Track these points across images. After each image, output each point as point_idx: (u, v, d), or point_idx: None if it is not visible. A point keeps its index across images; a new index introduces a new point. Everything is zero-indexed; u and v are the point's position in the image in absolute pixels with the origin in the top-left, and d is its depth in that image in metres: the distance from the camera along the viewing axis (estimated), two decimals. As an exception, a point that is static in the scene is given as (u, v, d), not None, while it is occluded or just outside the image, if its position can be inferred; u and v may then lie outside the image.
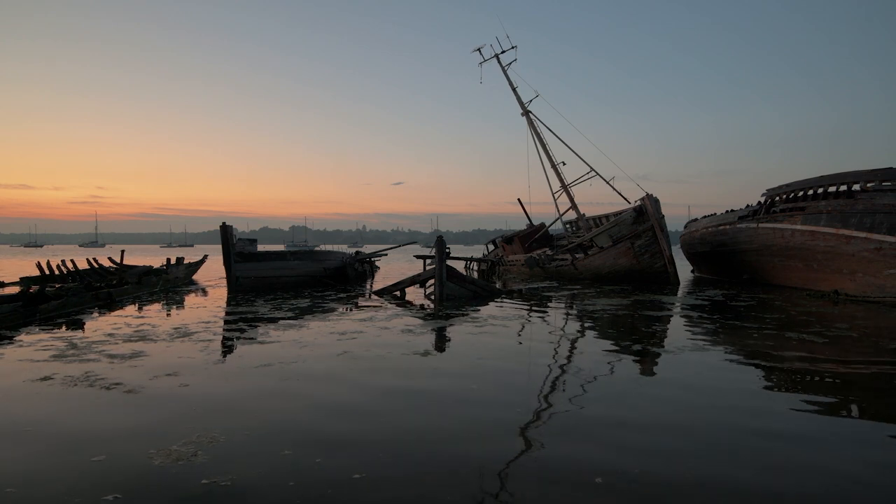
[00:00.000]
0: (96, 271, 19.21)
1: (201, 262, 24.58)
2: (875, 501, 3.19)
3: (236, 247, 16.94)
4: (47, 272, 16.87)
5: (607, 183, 24.18)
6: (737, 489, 3.27)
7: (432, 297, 13.81)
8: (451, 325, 9.66)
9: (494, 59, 25.74)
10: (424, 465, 3.60)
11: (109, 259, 21.68)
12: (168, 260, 21.55)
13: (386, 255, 24.53)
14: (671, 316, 11.08)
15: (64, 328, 9.07)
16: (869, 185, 13.97)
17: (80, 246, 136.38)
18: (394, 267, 32.02)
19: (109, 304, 12.47)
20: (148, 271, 18.74)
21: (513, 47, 25.65)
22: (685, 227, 27.58)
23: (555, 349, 7.71)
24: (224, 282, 17.44)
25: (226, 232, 16.21)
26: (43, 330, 8.83)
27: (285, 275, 17.97)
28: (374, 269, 26.48)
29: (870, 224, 13.48)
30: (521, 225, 30.84)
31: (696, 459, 3.71)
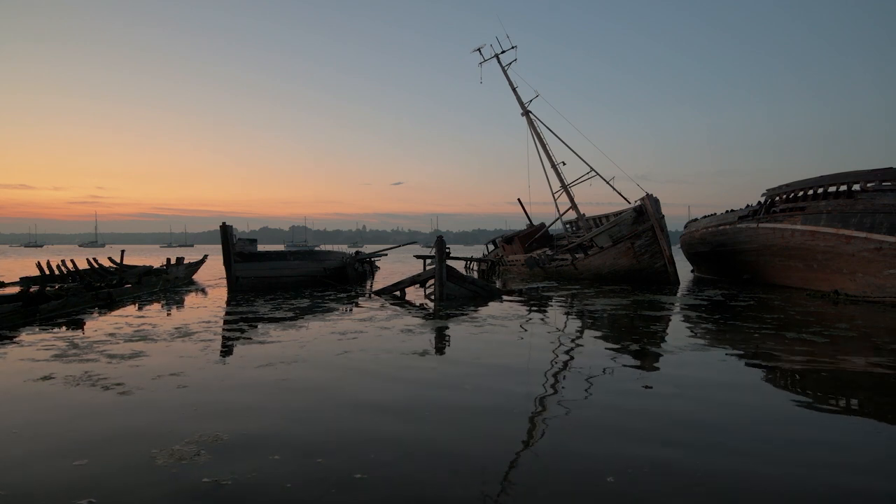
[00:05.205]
0: (96, 271, 19.21)
1: (201, 262, 24.58)
2: (875, 501, 3.20)
3: (236, 247, 16.95)
4: (47, 272, 16.88)
5: (607, 183, 24.19)
6: (738, 488, 3.28)
7: (432, 297, 13.81)
8: (450, 325, 9.67)
9: (494, 59, 25.75)
10: (425, 464, 3.61)
11: (109, 259, 21.68)
12: (168, 260, 21.55)
13: (386, 255, 24.53)
14: (671, 316, 11.09)
15: (64, 328, 9.07)
16: (869, 185, 13.97)
17: (79, 246, 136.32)
18: (394, 267, 32.03)
19: (109, 304, 12.48)
20: (148, 271, 18.75)
21: (513, 47, 25.67)
22: (685, 227, 27.58)
23: (554, 349, 7.71)
24: (224, 282, 17.45)
25: (226, 232, 16.22)
26: (43, 330, 8.83)
27: (285, 275, 17.97)
28: (374, 269, 26.48)
29: (870, 224, 13.48)
30: (521, 225, 30.88)
31: (697, 459, 3.72)
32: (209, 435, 4.02)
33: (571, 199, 25.10)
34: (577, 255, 20.97)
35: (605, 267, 19.87)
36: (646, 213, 18.51)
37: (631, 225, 18.82)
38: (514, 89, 25.62)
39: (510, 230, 36.09)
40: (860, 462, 3.72)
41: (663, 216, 18.88)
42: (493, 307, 12.21)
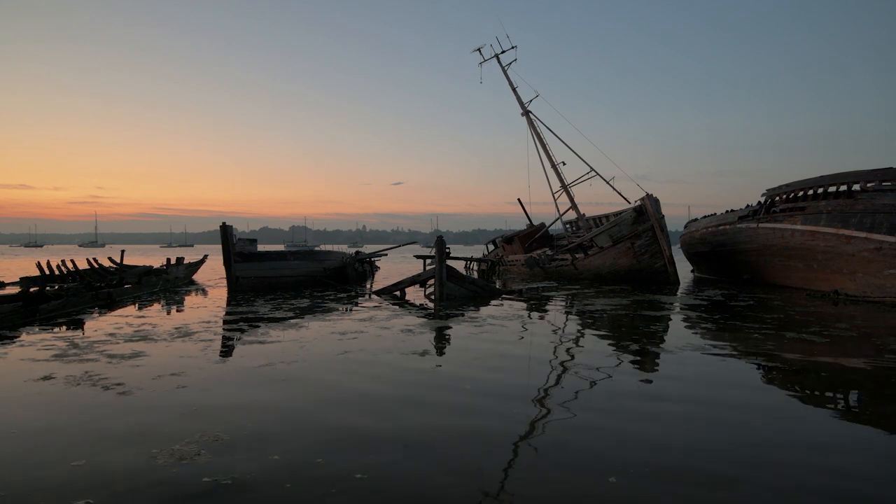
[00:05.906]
0: (96, 271, 19.21)
1: (201, 262, 24.58)
2: (874, 501, 3.20)
3: (236, 247, 16.95)
4: (47, 272, 16.88)
5: (607, 183, 24.21)
6: (739, 490, 3.29)
7: (432, 297, 13.81)
8: (450, 325, 9.67)
9: (494, 59, 25.78)
10: (425, 465, 3.61)
11: (109, 259, 21.69)
12: (168, 260, 21.55)
13: (386, 255, 24.54)
14: (671, 316, 11.09)
15: (64, 328, 9.07)
16: (869, 185, 13.97)
17: (79, 246, 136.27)
18: (394, 267, 32.03)
19: (109, 304, 12.48)
20: (148, 271, 18.75)
21: (513, 47, 25.69)
22: (685, 227, 27.58)
23: (554, 349, 7.71)
24: (224, 282, 17.45)
25: (226, 232, 16.22)
26: (43, 330, 8.83)
27: (285, 275, 17.98)
28: (374, 269, 26.47)
29: (870, 224, 13.48)
30: (521, 225, 30.88)
31: (696, 460, 3.73)
32: (209, 435, 4.02)
33: (571, 199, 25.11)
34: (577, 255, 20.97)
35: (605, 267, 19.87)
36: (646, 213, 18.51)
37: (631, 225, 18.82)
38: (514, 89, 25.65)
39: (510, 230, 36.10)
40: (859, 466, 3.72)
41: (663, 216, 18.88)
42: (493, 307, 12.21)
